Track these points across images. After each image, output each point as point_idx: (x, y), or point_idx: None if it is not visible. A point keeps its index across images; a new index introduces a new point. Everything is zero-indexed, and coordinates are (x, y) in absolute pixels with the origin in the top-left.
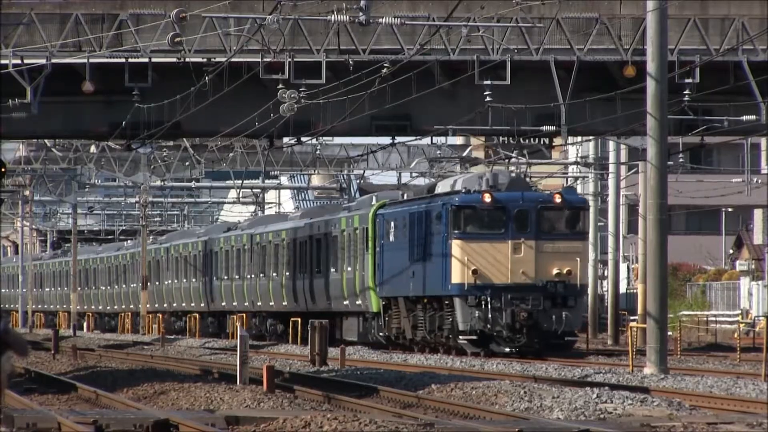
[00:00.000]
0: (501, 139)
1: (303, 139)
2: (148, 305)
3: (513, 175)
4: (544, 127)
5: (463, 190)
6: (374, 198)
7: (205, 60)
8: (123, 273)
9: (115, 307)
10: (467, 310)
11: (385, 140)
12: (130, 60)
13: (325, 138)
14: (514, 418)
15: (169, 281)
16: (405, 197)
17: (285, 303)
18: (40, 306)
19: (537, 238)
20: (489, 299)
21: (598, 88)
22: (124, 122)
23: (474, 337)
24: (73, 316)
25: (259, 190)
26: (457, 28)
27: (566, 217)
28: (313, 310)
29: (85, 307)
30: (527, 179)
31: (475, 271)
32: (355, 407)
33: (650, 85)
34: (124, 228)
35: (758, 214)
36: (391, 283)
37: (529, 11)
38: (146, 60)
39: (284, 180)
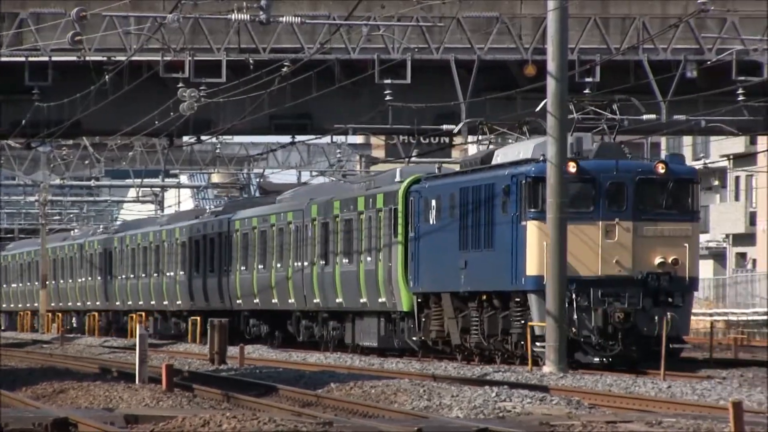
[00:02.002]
0: (401, 138)
1: (203, 137)
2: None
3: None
4: (444, 126)
5: (541, 158)
6: (398, 173)
7: (105, 59)
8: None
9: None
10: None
11: (285, 139)
12: (30, 59)
13: (225, 137)
14: (413, 417)
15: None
16: (441, 171)
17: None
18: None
19: (635, 218)
20: (575, 296)
21: (498, 87)
22: (24, 121)
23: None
24: None
25: (158, 189)
26: (357, 27)
27: (672, 192)
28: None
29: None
30: (622, 145)
31: None
32: (254, 406)
33: (550, 84)
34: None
35: None
36: (432, 276)
37: (430, 10)
38: (47, 59)
39: (184, 179)
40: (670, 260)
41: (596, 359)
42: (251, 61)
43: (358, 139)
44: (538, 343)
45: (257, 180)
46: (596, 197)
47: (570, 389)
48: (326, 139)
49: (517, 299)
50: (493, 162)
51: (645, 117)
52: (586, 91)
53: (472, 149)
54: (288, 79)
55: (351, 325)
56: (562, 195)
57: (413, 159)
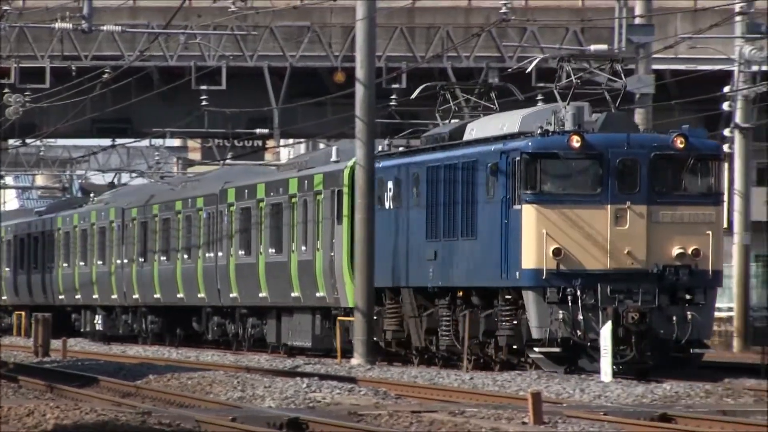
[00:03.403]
0: (216, 141)
1: (28, 140)
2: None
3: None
4: (258, 130)
5: (538, 131)
6: (335, 151)
7: None
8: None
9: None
10: (545, 310)
11: (106, 142)
12: None
13: (48, 140)
14: (227, 407)
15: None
16: (389, 148)
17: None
18: None
19: (650, 201)
20: (579, 293)
21: (309, 94)
22: None
23: (556, 349)
24: None
25: None
26: (175, 35)
27: (692, 171)
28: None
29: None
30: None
31: (557, 251)
32: (76, 396)
33: (359, 91)
34: None
35: None
36: (388, 268)
37: (244, 20)
38: None
39: (9, 180)
40: (690, 251)
41: None
42: (74, 68)
43: (176, 142)
44: (536, 349)
45: (79, 181)
46: (604, 177)
47: (377, 380)
48: (145, 142)
49: (508, 296)
50: (466, 137)
51: (442, 123)
52: (393, 96)
53: (284, 153)
54: (109, 85)
55: (276, 322)
56: (370, 196)
57: (228, 161)
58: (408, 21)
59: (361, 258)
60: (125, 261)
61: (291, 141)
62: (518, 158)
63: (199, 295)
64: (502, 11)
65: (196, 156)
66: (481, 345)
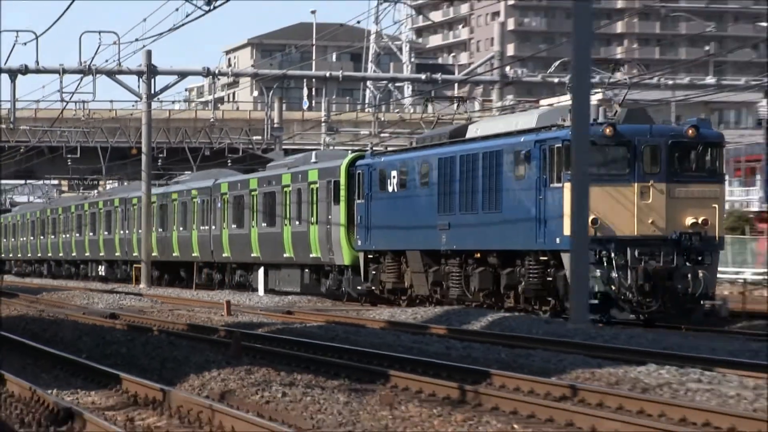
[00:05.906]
0: (75, 181)
1: None
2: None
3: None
4: (95, 176)
5: (564, 123)
6: (314, 155)
7: None
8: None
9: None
10: None
11: (22, 181)
12: None
13: None
14: (81, 307)
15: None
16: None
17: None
18: None
19: (668, 180)
20: (612, 255)
21: (119, 159)
22: None
23: (594, 301)
24: None
25: None
26: (54, 131)
27: (700, 155)
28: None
29: None
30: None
31: (594, 221)
32: (6, 303)
33: (144, 158)
34: None
35: None
36: (391, 236)
37: (88, 124)
38: None
39: None
40: (700, 220)
41: (632, 316)
42: (6, 146)
43: (55, 182)
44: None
45: (9, 199)
46: (632, 160)
47: (153, 295)
48: (41, 182)
49: (543, 258)
50: (470, 134)
51: (185, 173)
52: (160, 161)
53: (109, 186)
54: (23, 155)
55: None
56: (148, 208)
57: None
58: (167, 125)
59: (145, 234)
60: (127, 231)
61: (110, 180)
62: (559, 145)
63: (193, 254)
64: (211, 120)
65: (65, 188)
66: (489, 294)
